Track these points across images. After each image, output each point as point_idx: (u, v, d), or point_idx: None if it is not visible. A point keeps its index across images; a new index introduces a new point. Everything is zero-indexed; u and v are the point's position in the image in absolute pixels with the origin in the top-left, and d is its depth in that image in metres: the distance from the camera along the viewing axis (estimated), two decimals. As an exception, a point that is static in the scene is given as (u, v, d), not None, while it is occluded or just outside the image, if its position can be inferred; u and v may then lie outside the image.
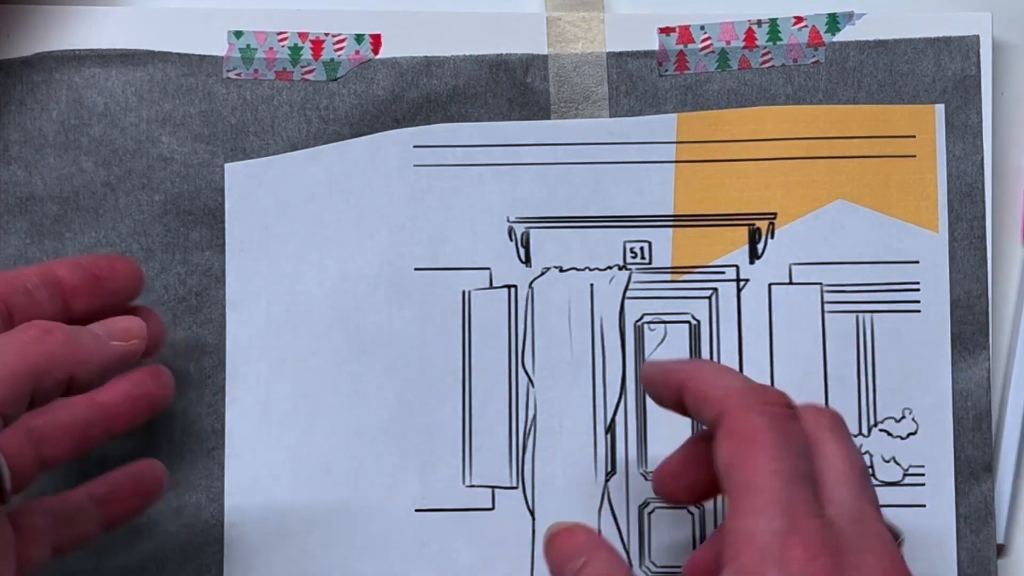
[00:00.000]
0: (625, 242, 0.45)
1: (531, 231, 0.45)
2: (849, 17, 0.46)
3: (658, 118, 0.45)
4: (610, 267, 0.45)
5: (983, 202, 0.45)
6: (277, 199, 0.45)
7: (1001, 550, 0.45)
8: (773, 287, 0.45)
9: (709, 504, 0.44)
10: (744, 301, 0.45)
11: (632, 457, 0.45)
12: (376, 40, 0.46)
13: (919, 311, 0.45)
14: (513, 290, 0.45)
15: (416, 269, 0.45)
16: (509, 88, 0.45)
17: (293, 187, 0.45)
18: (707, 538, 0.42)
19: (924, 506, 0.44)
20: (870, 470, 0.44)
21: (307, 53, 0.46)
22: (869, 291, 0.45)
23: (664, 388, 0.37)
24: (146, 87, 0.45)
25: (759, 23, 0.46)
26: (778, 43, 0.46)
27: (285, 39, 0.46)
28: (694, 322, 0.45)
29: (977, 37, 0.45)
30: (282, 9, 0.46)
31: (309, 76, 0.45)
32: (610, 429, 0.45)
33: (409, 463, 0.44)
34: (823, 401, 0.44)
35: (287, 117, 0.45)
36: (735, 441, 0.34)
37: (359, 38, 0.46)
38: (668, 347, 0.45)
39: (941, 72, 0.45)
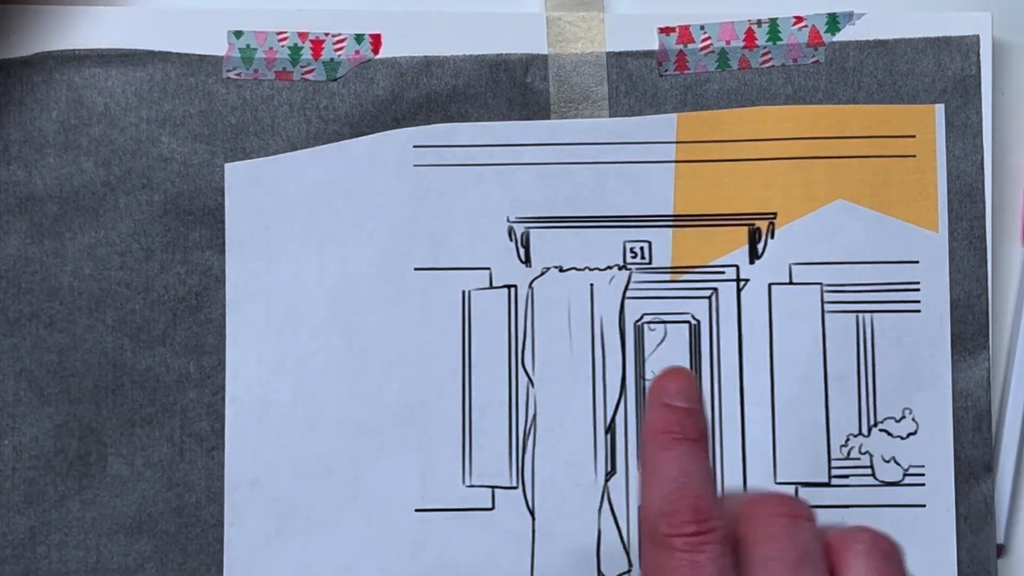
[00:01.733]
0: (625, 242, 0.45)
1: (531, 231, 0.45)
2: (849, 17, 0.46)
3: (658, 118, 0.45)
4: (610, 267, 0.45)
5: (983, 202, 0.45)
6: (277, 199, 0.45)
7: (1001, 550, 0.45)
8: (773, 287, 0.45)
9: (709, 504, 0.44)
10: (744, 301, 0.45)
11: (632, 457, 0.45)
12: (376, 40, 0.46)
13: (919, 311, 0.45)
14: (513, 290, 0.45)
15: (416, 269, 0.45)
16: (509, 88, 0.45)
17: (293, 187, 0.45)
18: None
19: (924, 506, 0.44)
20: (870, 470, 0.44)
21: (307, 53, 0.46)
22: (869, 291, 0.45)
23: None
24: (146, 87, 0.45)
25: (759, 23, 0.46)
26: (778, 43, 0.46)
27: (285, 39, 0.46)
28: (694, 322, 0.45)
29: (977, 37, 0.45)
30: (282, 9, 0.46)
31: (309, 76, 0.45)
32: (610, 429, 0.45)
33: (409, 463, 0.44)
34: (823, 401, 0.44)
35: (287, 117, 0.45)
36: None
37: (359, 38, 0.46)
38: (668, 347, 0.45)
39: (941, 72, 0.45)
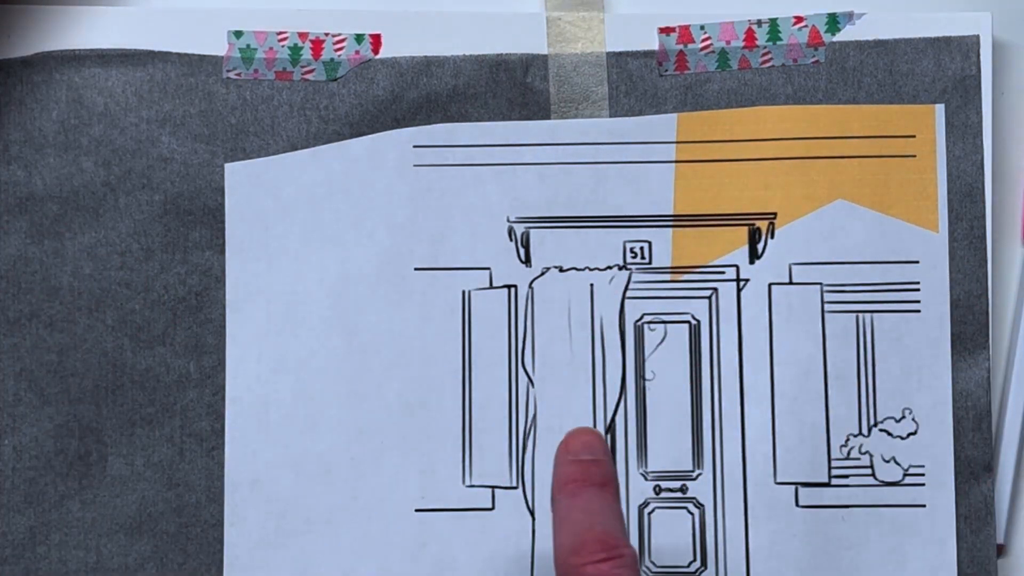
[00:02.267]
0: (625, 242, 0.45)
1: (531, 231, 0.45)
2: (849, 17, 0.46)
3: (658, 118, 0.45)
4: (610, 267, 0.45)
5: (983, 202, 0.45)
6: (277, 199, 0.45)
7: (1001, 550, 0.45)
8: (773, 287, 0.45)
9: (709, 504, 0.44)
10: (744, 301, 0.45)
11: (632, 457, 0.45)
12: (376, 40, 0.46)
13: (919, 311, 0.45)
14: (513, 290, 0.45)
15: (416, 269, 0.45)
16: (509, 88, 0.45)
17: (293, 187, 0.45)
18: None
19: (924, 506, 0.44)
20: (870, 470, 0.44)
21: (307, 53, 0.46)
22: (869, 291, 0.45)
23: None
24: (146, 87, 0.45)
25: (759, 23, 0.46)
26: (778, 43, 0.46)
27: (285, 39, 0.46)
28: (694, 322, 0.45)
29: (977, 37, 0.45)
30: (282, 9, 0.46)
31: (309, 76, 0.45)
32: (610, 429, 0.45)
33: (409, 463, 0.44)
34: (823, 401, 0.44)
35: (287, 117, 0.45)
36: None
37: (359, 38, 0.46)
38: (668, 347, 0.45)
39: (941, 72, 0.45)
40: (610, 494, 0.36)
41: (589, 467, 0.37)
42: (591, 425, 0.45)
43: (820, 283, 0.45)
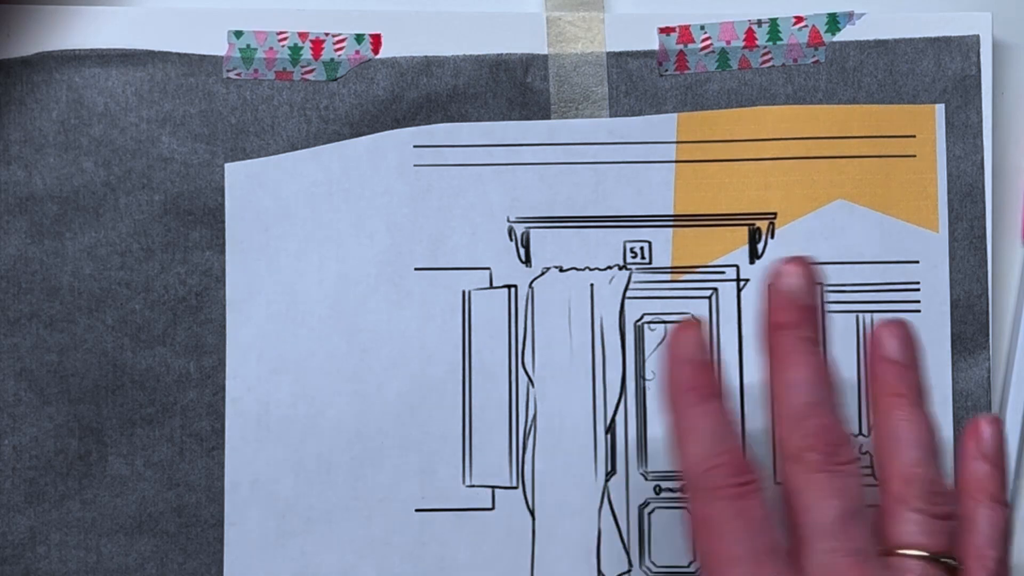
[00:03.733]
0: (625, 242, 0.45)
1: (531, 231, 0.45)
2: (849, 17, 0.46)
3: (658, 118, 0.45)
4: (610, 267, 0.45)
5: (983, 202, 0.45)
6: (277, 199, 0.45)
7: (1001, 550, 0.45)
8: (773, 287, 0.45)
9: (709, 504, 0.44)
10: (744, 301, 0.45)
11: (632, 457, 0.45)
12: (376, 40, 0.46)
13: (919, 311, 0.45)
14: (513, 290, 0.45)
15: (416, 269, 0.45)
16: (509, 88, 0.45)
17: (293, 187, 0.45)
18: None
19: (924, 506, 0.44)
20: (870, 470, 0.44)
21: (307, 53, 0.46)
22: (869, 291, 0.45)
23: None
24: (146, 87, 0.45)
25: (759, 23, 0.46)
26: (778, 43, 0.46)
27: (285, 39, 0.46)
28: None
29: (977, 37, 0.45)
30: (282, 9, 0.46)
31: (309, 76, 0.45)
32: (610, 429, 0.45)
33: (409, 463, 0.44)
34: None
35: (287, 117, 0.45)
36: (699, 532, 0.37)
37: (359, 38, 0.46)
38: (668, 347, 0.45)
39: (941, 72, 0.45)
40: (728, 407, 0.37)
41: (707, 373, 0.37)
42: (591, 425, 0.45)
43: (820, 283, 0.45)
